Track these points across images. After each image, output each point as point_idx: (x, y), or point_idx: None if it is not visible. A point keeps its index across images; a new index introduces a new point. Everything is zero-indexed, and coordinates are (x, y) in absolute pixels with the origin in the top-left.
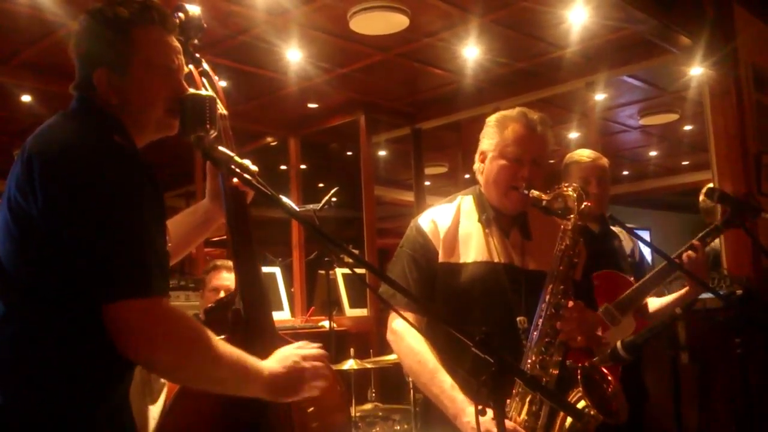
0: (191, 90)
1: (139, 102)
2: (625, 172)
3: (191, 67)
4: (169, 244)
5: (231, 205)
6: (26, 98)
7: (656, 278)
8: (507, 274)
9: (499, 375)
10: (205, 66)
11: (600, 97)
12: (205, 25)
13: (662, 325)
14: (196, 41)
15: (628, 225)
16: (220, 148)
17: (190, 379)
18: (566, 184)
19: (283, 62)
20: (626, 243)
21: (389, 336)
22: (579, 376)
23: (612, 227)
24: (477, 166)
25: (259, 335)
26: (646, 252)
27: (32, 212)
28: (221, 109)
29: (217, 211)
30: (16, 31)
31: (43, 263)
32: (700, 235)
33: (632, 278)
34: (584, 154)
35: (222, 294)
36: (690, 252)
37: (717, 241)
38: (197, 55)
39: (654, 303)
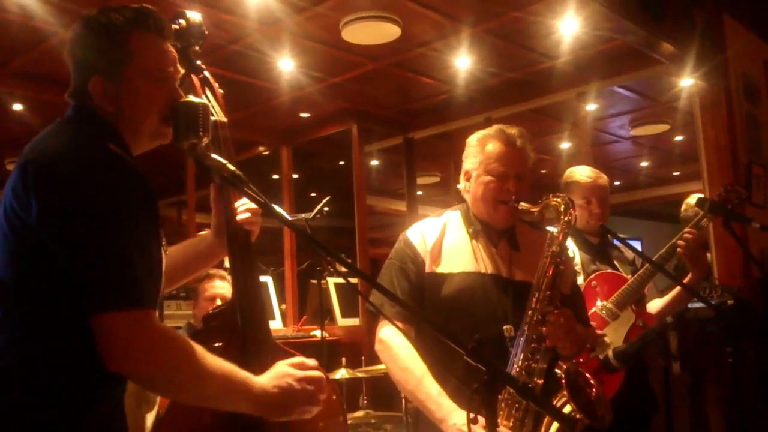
0: (190, 97)
1: (134, 110)
2: (617, 183)
3: (192, 74)
4: (166, 252)
5: (229, 211)
6: (17, 107)
7: (648, 273)
8: (494, 284)
9: (491, 383)
10: (206, 74)
11: (591, 107)
12: (206, 32)
13: (654, 334)
14: (197, 48)
15: (620, 235)
16: (213, 155)
17: (176, 394)
18: (553, 195)
19: (275, 72)
20: (627, 253)
21: (377, 346)
22: (564, 381)
23: (614, 241)
24: (462, 185)
25: (256, 344)
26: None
27: (27, 219)
28: (221, 117)
29: (220, 247)
30: (7, 39)
31: (36, 271)
32: (689, 225)
33: (629, 277)
34: (585, 174)
35: (218, 302)
36: (687, 235)
37: (708, 255)
38: (198, 62)
39: (656, 304)
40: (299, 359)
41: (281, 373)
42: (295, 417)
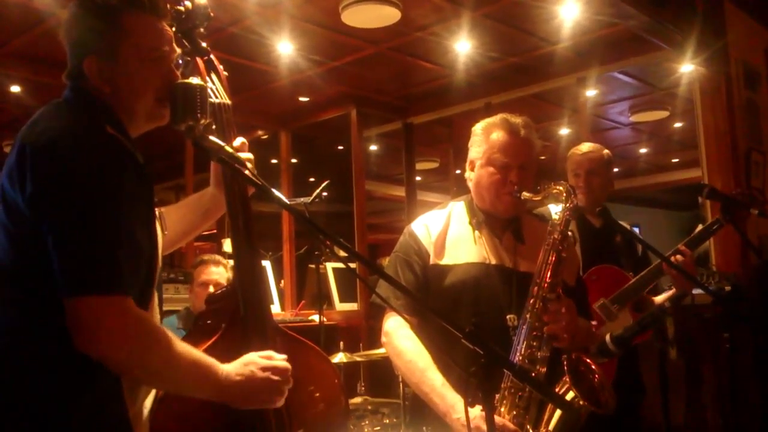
0: (192, 79)
1: (129, 90)
2: (616, 169)
3: (197, 57)
4: (165, 232)
5: (231, 195)
6: (15, 89)
7: (652, 275)
8: (498, 275)
9: (489, 366)
10: (211, 56)
11: (591, 93)
12: (212, 14)
13: (651, 320)
14: (202, 30)
15: (619, 222)
16: (211, 137)
17: (146, 378)
18: (554, 183)
19: (274, 55)
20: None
21: (383, 338)
22: (565, 367)
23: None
24: (467, 174)
25: (257, 326)
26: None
27: (20, 201)
28: (225, 99)
29: (221, 198)
30: (5, 20)
31: (29, 253)
32: (687, 239)
33: (631, 273)
34: (578, 149)
35: (211, 288)
36: (678, 256)
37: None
38: (203, 44)
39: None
40: (269, 352)
41: (246, 361)
42: (258, 406)
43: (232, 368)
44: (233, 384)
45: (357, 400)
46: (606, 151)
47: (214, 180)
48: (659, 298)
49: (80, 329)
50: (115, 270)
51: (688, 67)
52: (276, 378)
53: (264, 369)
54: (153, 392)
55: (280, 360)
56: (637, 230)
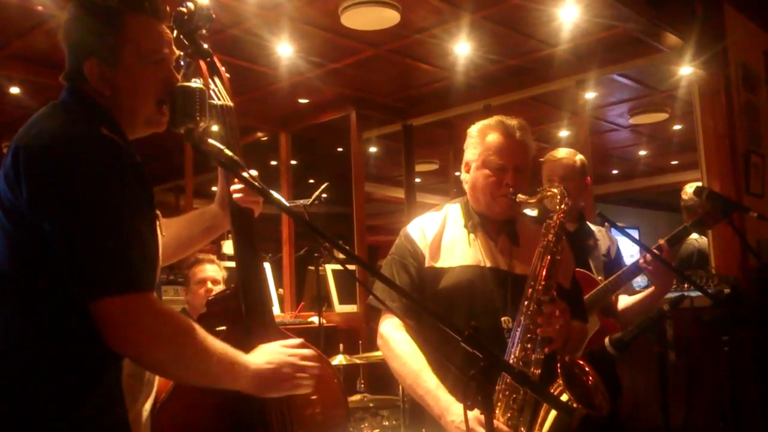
0: (195, 81)
1: (130, 92)
2: (615, 171)
3: (200, 59)
4: (163, 234)
5: (235, 210)
6: (15, 90)
7: (621, 279)
8: (493, 277)
9: (488, 369)
10: (214, 58)
11: (590, 95)
12: (214, 16)
13: (650, 322)
14: (204, 32)
15: (618, 224)
16: (210, 140)
17: (179, 373)
18: (548, 185)
19: (273, 57)
20: (603, 242)
21: (378, 341)
22: (559, 370)
23: (590, 225)
24: (463, 176)
25: (259, 328)
26: (631, 251)
27: (18, 205)
28: (227, 102)
29: (224, 218)
30: (5, 22)
31: (30, 256)
32: (668, 237)
33: (600, 278)
34: (552, 155)
35: (209, 284)
36: (655, 250)
37: (704, 240)
38: (206, 46)
39: (623, 301)
40: (292, 341)
41: (273, 350)
42: (288, 392)
43: (261, 357)
44: (265, 371)
45: (356, 398)
46: (580, 156)
47: (219, 200)
48: (631, 300)
49: (112, 330)
50: (133, 267)
51: (687, 70)
52: (306, 363)
53: (292, 356)
54: (152, 395)
55: (303, 346)
56: (636, 232)
